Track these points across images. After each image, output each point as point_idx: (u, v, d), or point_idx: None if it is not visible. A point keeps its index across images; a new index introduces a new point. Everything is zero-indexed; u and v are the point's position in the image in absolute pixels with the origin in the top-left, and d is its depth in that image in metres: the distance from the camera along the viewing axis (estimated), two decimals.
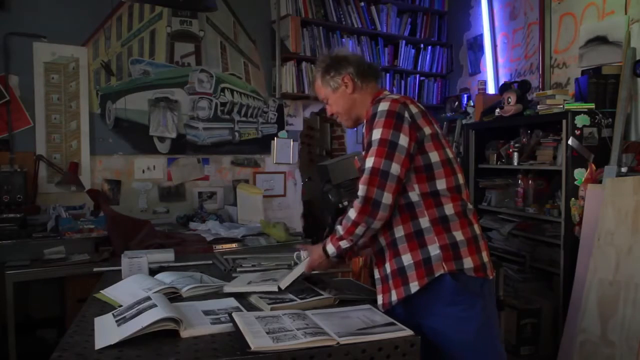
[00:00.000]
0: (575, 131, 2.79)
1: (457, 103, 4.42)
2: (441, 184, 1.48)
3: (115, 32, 3.39)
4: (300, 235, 3.44)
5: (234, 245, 2.99)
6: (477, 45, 4.28)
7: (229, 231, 3.12)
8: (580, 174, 2.80)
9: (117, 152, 3.41)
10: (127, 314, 1.32)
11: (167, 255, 2.15)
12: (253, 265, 1.99)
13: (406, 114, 1.47)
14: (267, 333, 1.19)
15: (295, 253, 1.76)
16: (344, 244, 1.51)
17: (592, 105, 2.82)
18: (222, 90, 3.77)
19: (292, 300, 1.51)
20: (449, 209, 1.47)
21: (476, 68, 4.31)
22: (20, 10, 3.06)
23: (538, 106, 3.08)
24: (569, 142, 2.79)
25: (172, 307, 1.34)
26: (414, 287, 1.44)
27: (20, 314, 2.62)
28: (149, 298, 1.39)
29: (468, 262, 1.45)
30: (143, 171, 3.49)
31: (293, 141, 4.06)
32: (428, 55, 4.56)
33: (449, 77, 4.67)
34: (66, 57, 3.21)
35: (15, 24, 3.03)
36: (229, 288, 1.65)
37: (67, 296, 2.59)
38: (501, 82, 3.77)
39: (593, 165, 2.77)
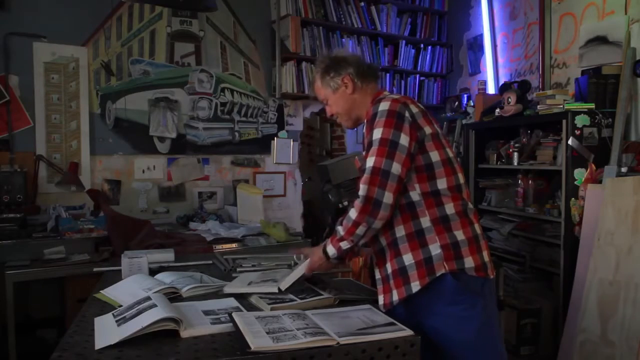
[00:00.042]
0: (575, 131, 2.79)
1: (457, 103, 4.41)
2: (442, 184, 1.48)
3: (115, 32, 3.39)
4: (300, 235, 3.44)
5: (234, 245, 2.99)
6: (477, 45, 4.28)
7: (229, 231, 3.12)
8: (580, 174, 2.80)
9: (117, 152, 3.40)
10: (127, 314, 1.32)
11: (167, 255, 2.15)
12: (253, 266, 1.99)
13: (407, 114, 1.47)
14: (267, 333, 1.19)
15: (295, 255, 1.75)
16: (344, 244, 1.50)
17: (592, 105, 2.82)
18: (222, 90, 3.77)
19: (292, 300, 1.51)
20: (449, 208, 1.47)
21: (476, 68, 4.31)
22: (20, 10, 3.05)
23: (538, 106, 3.08)
24: (569, 142, 2.79)
25: (172, 307, 1.34)
26: (415, 286, 1.44)
27: (20, 314, 2.61)
28: (149, 298, 1.39)
29: (469, 262, 1.45)
30: (143, 171, 3.49)
31: (293, 141, 4.06)
32: (428, 55, 4.56)
33: (449, 77, 4.67)
34: (66, 57, 3.21)
35: (15, 24, 3.03)
36: (229, 289, 1.64)
37: (67, 296, 2.58)
38: (501, 82, 3.77)
39: (593, 165, 2.77)
